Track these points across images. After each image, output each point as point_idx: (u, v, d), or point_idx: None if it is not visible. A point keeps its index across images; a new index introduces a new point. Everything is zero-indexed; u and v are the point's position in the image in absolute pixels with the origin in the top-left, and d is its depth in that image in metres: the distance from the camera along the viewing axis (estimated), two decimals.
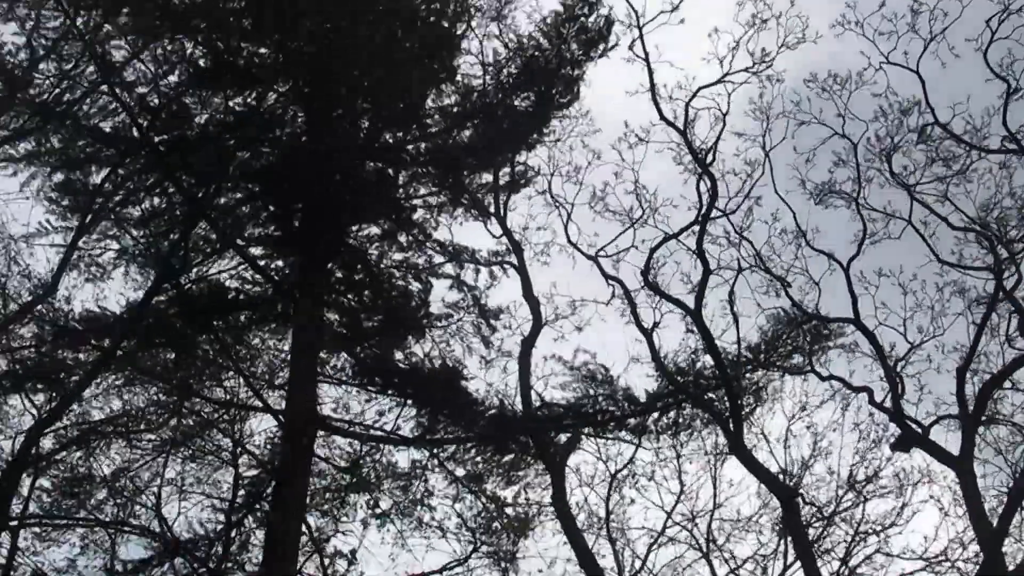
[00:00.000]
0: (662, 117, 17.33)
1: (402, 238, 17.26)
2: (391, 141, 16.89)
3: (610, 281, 17.82)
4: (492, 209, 18.09)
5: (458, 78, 16.95)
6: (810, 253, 17.73)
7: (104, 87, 15.97)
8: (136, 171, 16.55)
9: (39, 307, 16.21)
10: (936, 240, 17.36)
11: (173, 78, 15.95)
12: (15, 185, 16.26)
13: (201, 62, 15.91)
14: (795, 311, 17.54)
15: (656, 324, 17.39)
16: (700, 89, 17.13)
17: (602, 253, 17.89)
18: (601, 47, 16.94)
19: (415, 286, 17.24)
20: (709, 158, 17.19)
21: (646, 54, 17.12)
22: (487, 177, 17.93)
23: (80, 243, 16.41)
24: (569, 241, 18.07)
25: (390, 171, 16.92)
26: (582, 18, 16.76)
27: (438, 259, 17.53)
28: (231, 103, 16.05)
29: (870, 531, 17.92)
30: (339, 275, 16.87)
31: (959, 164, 17.23)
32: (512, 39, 17.05)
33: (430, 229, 17.40)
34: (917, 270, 17.47)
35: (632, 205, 17.82)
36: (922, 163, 17.36)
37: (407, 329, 16.98)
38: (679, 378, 16.96)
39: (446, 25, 16.65)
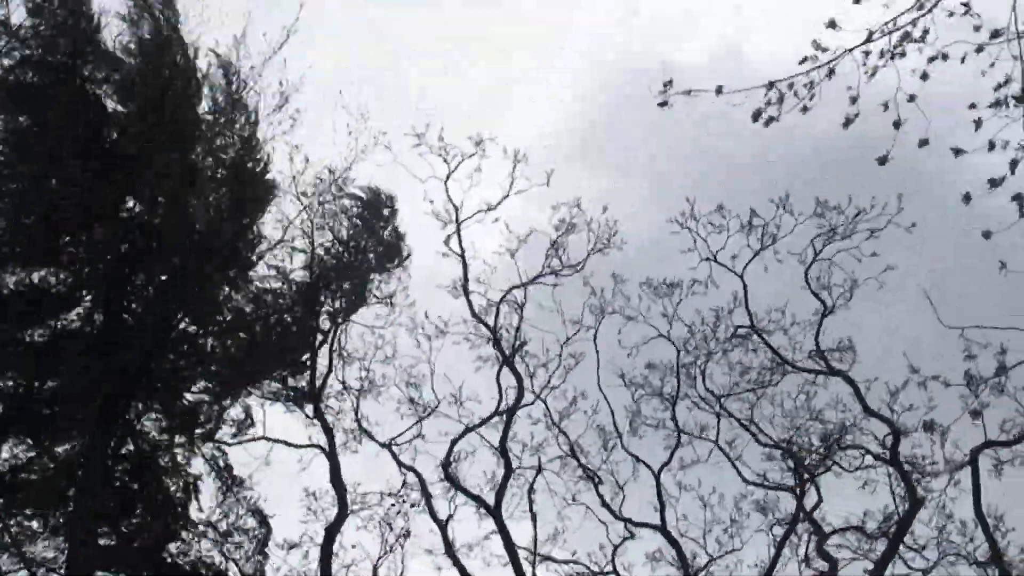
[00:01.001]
0: (474, 314, 17.71)
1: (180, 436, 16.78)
2: (187, 332, 16.35)
3: (403, 469, 17.52)
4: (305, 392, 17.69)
5: (252, 285, 17.22)
6: (622, 456, 17.82)
7: None
8: None
9: None
10: (744, 456, 17.67)
11: None
12: None
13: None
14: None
15: (451, 516, 17.15)
16: (512, 289, 17.69)
17: (394, 442, 17.61)
18: (396, 260, 17.61)
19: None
20: (515, 357, 17.53)
21: (462, 250, 17.62)
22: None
23: None
24: (360, 428, 17.76)
25: (181, 362, 16.35)
26: (380, 231, 17.49)
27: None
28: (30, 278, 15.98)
29: None
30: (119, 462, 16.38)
31: (768, 377, 17.59)
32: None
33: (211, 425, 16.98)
34: (721, 484, 17.72)
35: (428, 397, 17.77)
36: (735, 375, 17.78)
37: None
38: None
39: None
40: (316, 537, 16.79)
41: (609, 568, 17.46)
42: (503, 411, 17.26)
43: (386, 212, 17.46)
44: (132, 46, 16.62)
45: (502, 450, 17.04)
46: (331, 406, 17.64)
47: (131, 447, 16.28)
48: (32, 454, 16.19)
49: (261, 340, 16.76)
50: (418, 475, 17.26)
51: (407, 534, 17.07)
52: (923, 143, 7.35)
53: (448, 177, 17.47)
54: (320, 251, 17.56)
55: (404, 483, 17.28)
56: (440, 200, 17.50)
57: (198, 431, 16.56)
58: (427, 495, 17.02)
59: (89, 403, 15.43)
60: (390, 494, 17.18)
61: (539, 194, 17.63)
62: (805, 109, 7.59)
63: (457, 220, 17.40)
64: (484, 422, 17.34)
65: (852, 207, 16.12)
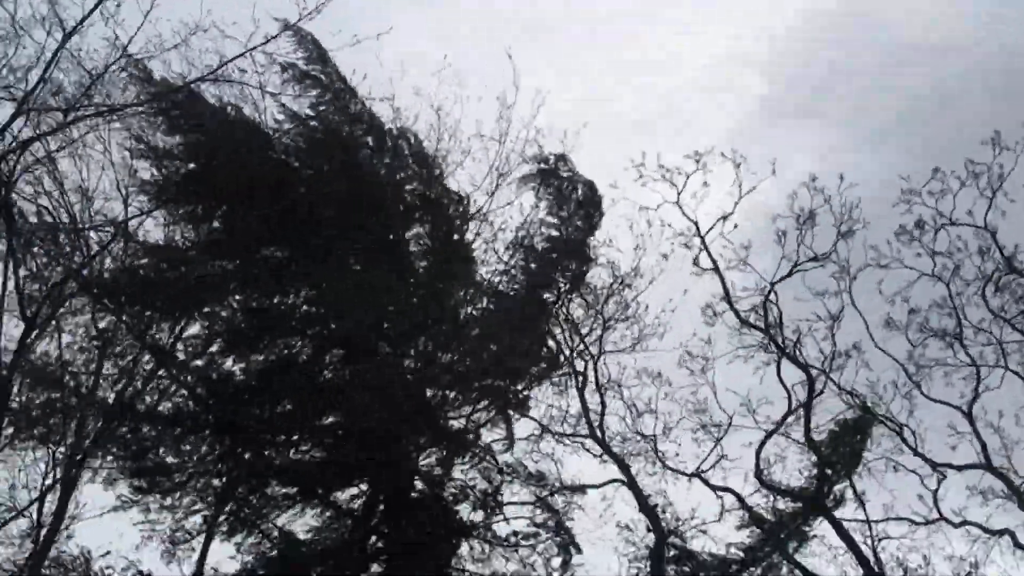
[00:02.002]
0: (743, 323, 17.76)
1: (460, 461, 17.09)
2: (433, 360, 17.06)
3: (718, 493, 17.36)
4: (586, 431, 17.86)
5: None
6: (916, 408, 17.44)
7: (161, 371, 16.69)
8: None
9: None
10: None
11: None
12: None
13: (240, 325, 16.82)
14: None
15: (782, 520, 17.03)
16: (774, 284, 17.67)
17: (701, 470, 17.59)
18: (598, 215, 17.55)
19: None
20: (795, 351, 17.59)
21: (714, 263, 17.87)
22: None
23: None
24: (665, 466, 17.70)
25: (441, 393, 16.89)
26: (574, 195, 17.48)
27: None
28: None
29: None
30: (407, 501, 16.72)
31: None
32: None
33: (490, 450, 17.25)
34: None
35: (713, 416, 17.87)
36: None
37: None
38: None
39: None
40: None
41: (935, 515, 16.88)
42: (795, 408, 17.21)
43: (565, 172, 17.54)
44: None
45: (809, 443, 16.90)
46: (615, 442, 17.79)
47: (413, 486, 16.69)
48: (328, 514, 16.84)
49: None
50: (736, 494, 17.19)
51: None
52: None
53: (678, 198, 17.83)
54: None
55: (723, 506, 17.18)
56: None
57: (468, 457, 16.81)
58: (747, 508, 16.93)
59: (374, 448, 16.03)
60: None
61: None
62: None
63: (701, 235, 17.74)
64: (781, 423, 17.26)
65: None
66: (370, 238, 16.84)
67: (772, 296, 17.68)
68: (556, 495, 17.27)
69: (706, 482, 17.42)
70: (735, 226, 17.69)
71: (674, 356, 18.12)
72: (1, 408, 15.35)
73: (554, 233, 17.66)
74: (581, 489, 17.50)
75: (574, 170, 17.68)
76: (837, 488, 17.06)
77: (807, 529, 16.99)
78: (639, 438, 17.87)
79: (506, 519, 17.01)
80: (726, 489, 17.30)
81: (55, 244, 16.54)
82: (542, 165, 17.64)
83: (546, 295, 17.52)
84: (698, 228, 17.73)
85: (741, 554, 16.80)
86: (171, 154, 16.93)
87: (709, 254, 17.75)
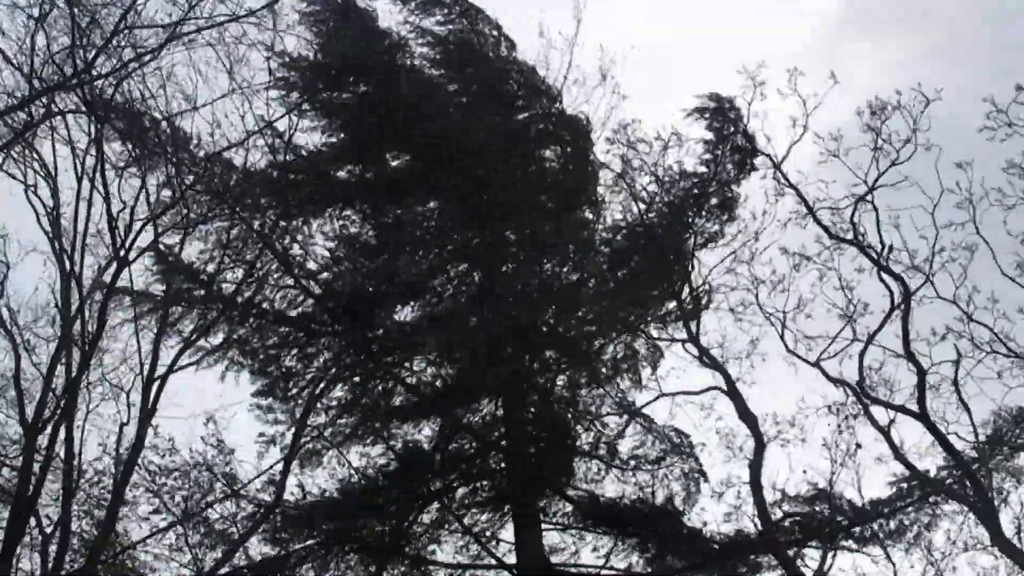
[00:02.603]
0: (831, 236, 17.48)
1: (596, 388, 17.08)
2: (566, 282, 17.00)
3: (838, 385, 17.11)
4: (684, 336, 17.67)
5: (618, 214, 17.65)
6: None
7: (288, 279, 16.66)
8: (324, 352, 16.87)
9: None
10: None
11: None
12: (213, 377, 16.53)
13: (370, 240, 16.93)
14: None
15: (892, 422, 16.60)
16: (860, 199, 17.31)
17: (824, 355, 17.25)
18: (749, 165, 17.45)
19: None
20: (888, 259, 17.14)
21: (794, 185, 17.61)
22: (670, 305, 17.71)
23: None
24: (789, 350, 17.43)
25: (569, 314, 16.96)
26: (732, 139, 17.33)
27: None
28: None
29: None
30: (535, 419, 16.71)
31: None
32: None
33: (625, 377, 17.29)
34: None
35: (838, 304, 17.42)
36: None
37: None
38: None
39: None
40: (743, 475, 16.59)
41: None
42: (899, 311, 16.75)
43: (732, 116, 17.17)
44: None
45: (907, 354, 16.54)
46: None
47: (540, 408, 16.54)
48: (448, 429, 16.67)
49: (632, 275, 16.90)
50: (852, 388, 16.81)
51: (858, 446, 16.72)
52: None
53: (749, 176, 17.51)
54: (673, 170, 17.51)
55: (846, 395, 16.84)
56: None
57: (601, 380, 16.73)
58: (864, 404, 16.69)
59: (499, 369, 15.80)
60: (829, 408, 16.93)
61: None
62: None
63: (777, 164, 17.43)
64: (880, 327, 16.85)
65: None
66: (503, 158, 16.67)
67: (862, 204, 17.25)
68: (658, 400, 17.27)
69: (826, 373, 17.15)
70: (815, 138, 17.29)
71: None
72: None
73: (702, 169, 17.46)
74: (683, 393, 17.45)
75: (740, 116, 17.38)
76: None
77: None
78: (764, 317, 17.61)
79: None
80: (845, 382, 17.03)
81: (187, 152, 16.33)
82: (713, 104, 17.41)
83: (685, 235, 17.33)
84: (772, 159, 17.40)
85: None
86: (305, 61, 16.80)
87: (786, 177, 17.45)
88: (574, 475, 16.53)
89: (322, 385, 16.79)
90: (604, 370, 17.11)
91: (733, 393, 16.95)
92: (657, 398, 17.32)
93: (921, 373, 16.39)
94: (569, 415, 17.01)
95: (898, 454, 16.25)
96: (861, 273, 17.37)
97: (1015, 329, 16.71)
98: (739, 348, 17.62)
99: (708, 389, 17.29)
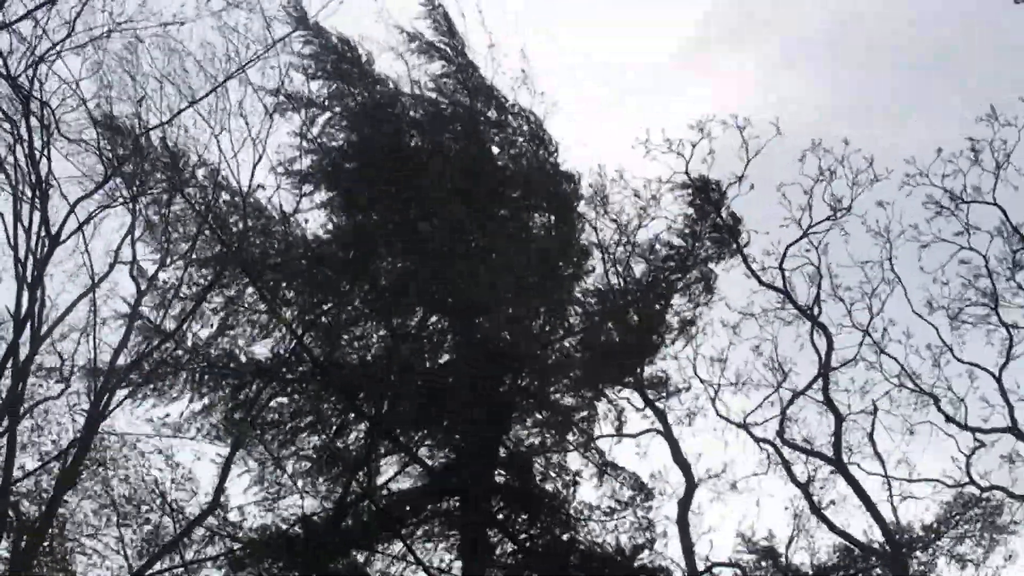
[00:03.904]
0: (761, 283, 18.50)
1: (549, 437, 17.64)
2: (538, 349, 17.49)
3: (762, 445, 18.24)
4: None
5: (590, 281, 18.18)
6: (949, 373, 18.04)
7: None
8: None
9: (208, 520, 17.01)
10: None
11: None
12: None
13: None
14: (964, 495, 17.55)
15: (811, 479, 17.76)
16: (788, 248, 18.29)
17: (749, 422, 18.40)
18: (733, 245, 18.04)
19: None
20: (816, 311, 18.25)
21: (730, 225, 18.15)
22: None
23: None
24: (719, 415, 18.56)
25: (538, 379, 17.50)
26: (712, 216, 17.89)
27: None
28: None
29: None
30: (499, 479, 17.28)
31: None
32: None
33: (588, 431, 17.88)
34: None
35: (768, 373, 18.50)
36: None
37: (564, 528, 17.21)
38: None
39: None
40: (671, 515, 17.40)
41: (966, 479, 17.57)
42: (821, 367, 17.87)
43: (715, 196, 17.78)
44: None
45: (827, 402, 17.70)
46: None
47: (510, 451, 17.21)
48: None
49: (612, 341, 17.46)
50: (775, 447, 17.94)
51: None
52: None
53: (687, 167, 18.07)
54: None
55: (769, 458, 17.92)
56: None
57: (570, 433, 17.43)
58: (786, 463, 17.76)
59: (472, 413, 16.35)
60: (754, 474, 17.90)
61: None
62: None
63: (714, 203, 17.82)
64: (811, 384, 17.99)
65: None
66: (490, 213, 17.31)
67: (797, 253, 18.30)
68: (597, 441, 18.03)
69: (752, 435, 18.28)
70: (751, 187, 18.04)
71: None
72: None
73: (677, 241, 18.04)
74: (619, 437, 18.34)
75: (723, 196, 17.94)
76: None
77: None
78: (703, 385, 18.65)
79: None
80: (769, 442, 18.15)
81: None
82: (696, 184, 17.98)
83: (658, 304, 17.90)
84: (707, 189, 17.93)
85: None
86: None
87: (721, 217, 18.02)
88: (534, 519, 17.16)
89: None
90: (573, 427, 17.80)
91: (669, 436, 17.98)
92: (598, 438, 18.19)
93: (839, 420, 17.64)
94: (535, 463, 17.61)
95: (816, 509, 17.28)
96: (790, 326, 18.47)
97: (923, 365, 18.52)
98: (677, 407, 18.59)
99: (647, 431, 18.31)
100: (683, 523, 17.20)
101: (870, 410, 18.00)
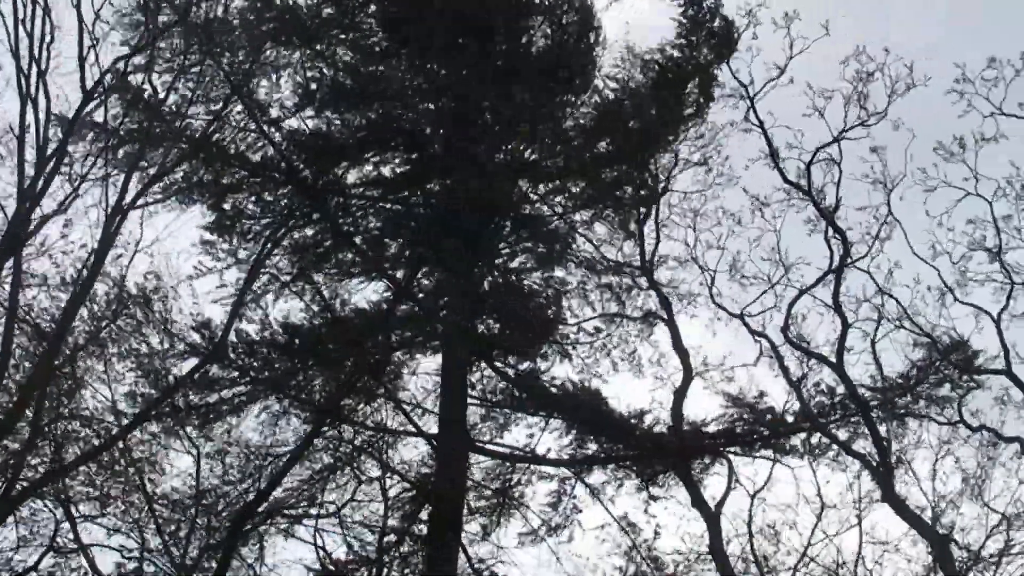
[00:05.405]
0: (786, 180, 17.70)
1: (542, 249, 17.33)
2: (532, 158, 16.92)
3: (757, 338, 17.69)
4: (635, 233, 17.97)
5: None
6: (955, 313, 17.49)
7: (252, 124, 16.43)
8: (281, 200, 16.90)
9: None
10: None
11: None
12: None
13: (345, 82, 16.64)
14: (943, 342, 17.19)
15: (804, 376, 17.30)
16: (818, 150, 17.44)
17: (747, 312, 17.80)
18: (726, 51, 17.17)
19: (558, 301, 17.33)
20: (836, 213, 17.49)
21: (760, 123, 17.54)
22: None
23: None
24: (715, 302, 17.97)
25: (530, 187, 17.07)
26: (707, 23, 17.03)
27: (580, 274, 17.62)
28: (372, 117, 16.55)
29: None
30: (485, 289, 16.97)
31: None
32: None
33: (572, 243, 17.49)
34: None
35: (769, 266, 17.90)
36: None
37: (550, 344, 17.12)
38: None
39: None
40: (665, 402, 17.14)
41: (956, 417, 17.11)
42: (833, 269, 17.30)
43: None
44: None
45: (836, 306, 17.14)
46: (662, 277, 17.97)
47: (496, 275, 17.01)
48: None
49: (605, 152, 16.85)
50: (771, 341, 17.41)
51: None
52: None
53: (728, 60, 17.31)
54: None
55: (761, 351, 17.46)
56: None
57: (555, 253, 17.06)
58: (779, 358, 17.22)
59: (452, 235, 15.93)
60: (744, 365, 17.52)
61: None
62: None
63: (749, 96, 17.32)
64: (818, 282, 17.44)
65: None
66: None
67: (826, 156, 17.57)
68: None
69: (748, 327, 17.80)
70: (791, 80, 17.23)
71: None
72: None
73: (676, 55, 17.11)
74: (622, 318, 17.97)
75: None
76: None
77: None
78: (700, 270, 18.11)
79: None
80: (764, 335, 17.66)
81: None
82: None
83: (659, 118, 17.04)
84: (746, 88, 17.33)
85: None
86: None
87: (756, 114, 17.47)
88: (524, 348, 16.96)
89: (278, 232, 16.75)
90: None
91: (671, 323, 17.53)
92: (599, 315, 17.85)
93: (845, 325, 17.07)
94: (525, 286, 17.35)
95: (805, 408, 16.80)
96: (808, 224, 17.79)
97: (927, 309, 17.47)
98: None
99: (649, 314, 17.82)
100: (677, 413, 16.78)
101: (875, 318, 17.36)
